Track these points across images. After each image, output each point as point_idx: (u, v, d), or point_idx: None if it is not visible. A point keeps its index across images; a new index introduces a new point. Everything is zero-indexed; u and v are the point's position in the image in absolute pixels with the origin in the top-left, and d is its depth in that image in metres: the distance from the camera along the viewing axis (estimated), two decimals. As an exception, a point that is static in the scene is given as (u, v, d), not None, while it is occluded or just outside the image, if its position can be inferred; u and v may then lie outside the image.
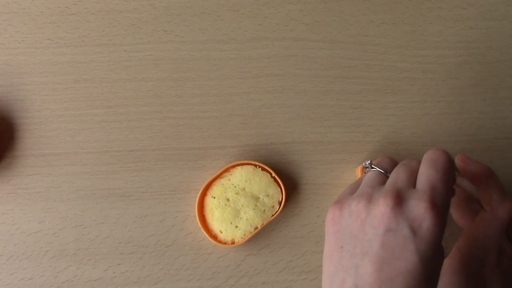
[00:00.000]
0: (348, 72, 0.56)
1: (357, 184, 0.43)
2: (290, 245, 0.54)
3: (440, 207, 0.36)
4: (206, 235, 0.53)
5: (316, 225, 0.55)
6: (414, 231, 0.36)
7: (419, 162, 0.41)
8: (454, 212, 0.49)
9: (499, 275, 0.45)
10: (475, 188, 0.51)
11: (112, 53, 0.56)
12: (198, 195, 0.53)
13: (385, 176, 0.41)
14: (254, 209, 0.53)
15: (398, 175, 0.39)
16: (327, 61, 0.56)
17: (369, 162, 0.43)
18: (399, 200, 0.37)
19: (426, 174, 0.38)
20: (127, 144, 0.55)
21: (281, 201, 0.53)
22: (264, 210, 0.53)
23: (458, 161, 0.47)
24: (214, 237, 0.53)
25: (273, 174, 0.54)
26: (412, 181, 0.39)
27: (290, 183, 0.55)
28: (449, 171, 0.38)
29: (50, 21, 0.56)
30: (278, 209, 0.53)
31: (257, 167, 0.54)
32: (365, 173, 0.43)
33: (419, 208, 0.36)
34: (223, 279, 0.54)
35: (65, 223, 0.54)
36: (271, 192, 0.53)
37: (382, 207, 0.37)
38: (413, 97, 0.56)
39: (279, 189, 0.53)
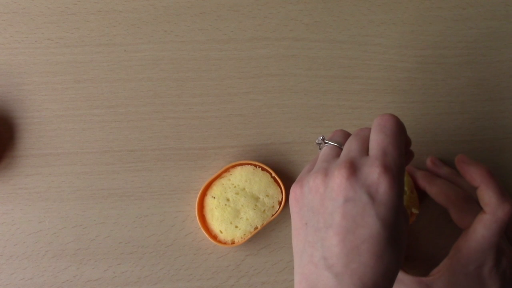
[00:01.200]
0: (348, 72, 0.56)
1: (314, 161, 0.43)
2: (290, 245, 0.54)
3: (393, 170, 0.36)
4: (206, 235, 0.53)
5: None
6: (372, 196, 0.36)
7: (370, 129, 0.41)
8: (453, 213, 0.49)
9: (497, 276, 0.45)
10: (475, 188, 0.51)
11: (112, 53, 0.56)
12: (198, 195, 0.53)
13: (339, 149, 0.41)
14: (254, 209, 0.53)
15: (350, 146, 0.39)
16: (327, 61, 0.56)
17: (321, 137, 0.43)
18: (353, 169, 0.37)
19: (376, 139, 0.38)
20: (127, 144, 0.55)
21: (281, 201, 0.53)
22: (264, 210, 0.53)
23: (457, 161, 0.47)
24: (214, 237, 0.53)
25: (273, 174, 0.54)
26: (365, 149, 0.39)
27: (290, 183, 0.55)
28: (399, 134, 0.38)
29: (50, 21, 0.56)
30: (278, 209, 0.53)
31: (257, 167, 0.54)
32: (320, 149, 0.43)
33: (373, 174, 0.36)
34: (223, 279, 0.54)
35: (65, 223, 0.54)
36: (271, 192, 0.53)
37: (337, 179, 0.37)
38: (413, 97, 0.56)
39: (279, 189, 0.54)
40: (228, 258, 0.54)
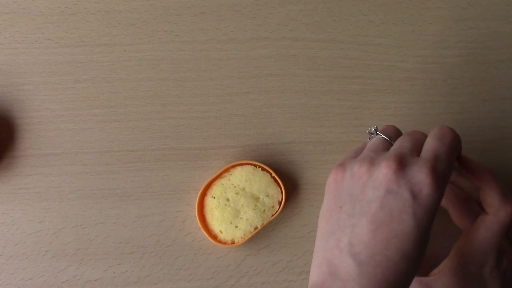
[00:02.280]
0: (348, 72, 0.56)
1: (361, 148, 0.43)
2: (290, 245, 0.54)
3: (440, 176, 0.37)
4: (206, 235, 0.53)
5: (316, 225, 0.54)
6: (414, 195, 0.36)
7: (424, 134, 0.41)
8: (454, 213, 0.49)
9: (498, 276, 0.45)
10: (475, 189, 0.51)
11: (112, 53, 0.56)
12: (198, 195, 0.53)
13: (389, 143, 0.42)
14: (254, 209, 0.53)
15: (403, 143, 0.40)
16: (327, 61, 0.56)
17: (374, 128, 0.44)
18: (402, 164, 0.37)
19: (431, 144, 0.39)
20: (127, 144, 0.55)
21: (281, 201, 0.53)
22: (264, 210, 0.53)
23: (460, 161, 0.47)
24: (214, 237, 0.53)
25: (273, 174, 0.54)
26: (416, 150, 0.39)
27: (290, 183, 0.55)
28: (454, 147, 0.39)
29: (50, 21, 0.56)
30: (278, 209, 0.53)
31: (257, 167, 0.54)
32: (369, 139, 0.43)
33: (421, 174, 0.36)
34: (223, 279, 0.54)
35: (65, 223, 0.54)
36: (271, 192, 0.53)
37: (384, 169, 0.37)
38: (413, 97, 0.56)
39: (279, 189, 0.54)
40: (228, 258, 0.54)
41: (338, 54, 0.56)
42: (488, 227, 0.44)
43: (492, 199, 0.44)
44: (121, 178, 0.55)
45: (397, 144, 0.40)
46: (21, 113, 0.55)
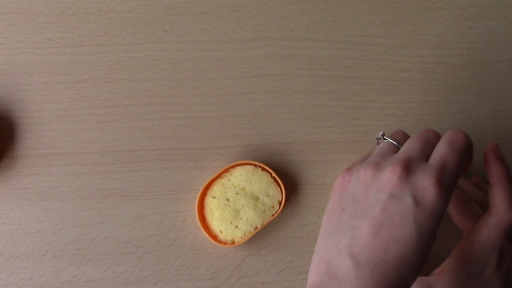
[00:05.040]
0: (348, 72, 0.56)
1: (370, 154, 0.43)
2: (290, 245, 0.54)
3: (446, 186, 0.37)
4: (206, 235, 0.53)
5: (316, 225, 0.55)
6: (416, 201, 0.36)
7: (436, 133, 0.41)
8: (455, 214, 0.49)
9: (500, 277, 0.45)
10: (474, 189, 0.51)
11: (112, 53, 0.56)
12: (198, 195, 0.53)
13: (396, 147, 0.41)
14: (254, 209, 0.53)
15: (411, 146, 0.40)
16: (327, 61, 0.56)
17: (382, 133, 0.44)
18: (408, 169, 0.37)
19: (441, 151, 0.38)
20: (127, 144, 0.55)
21: (281, 201, 0.53)
22: (264, 210, 0.53)
23: (488, 148, 0.45)
24: (214, 237, 0.53)
25: (273, 174, 0.54)
26: (425, 153, 0.39)
27: (290, 183, 0.55)
28: (464, 154, 0.39)
29: (50, 21, 0.56)
30: (278, 209, 0.53)
31: (257, 167, 0.54)
32: (377, 144, 0.43)
33: (425, 181, 0.36)
34: (223, 279, 0.54)
35: (65, 223, 0.54)
36: (271, 192, 0.53)
37: (389, 174, 0.37)
38: (413, 97, 0.56)
39: (279, 189, 0.54)
40: (228, 258, 0.54)
41: (338, 54, 0.56)
42: (490, 228, 0.44)
43: (500, 201, 0.44)
44: (121, 178, 0.55)
45: (406, 147, 0.40)
46: (21, 113, 0.55)
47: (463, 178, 0.52)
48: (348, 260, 0.36)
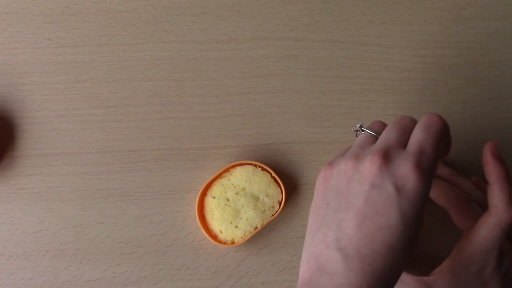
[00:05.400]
0: (348, 72, 0.56)
1: (349, 148, 0.43)
2: (290, 245, 0.54)
3: (425, 170, 0.37)
4: (206, 235, 0.53)
5: (316, 225, 0.55)
6: (398, 189, 0.36)
7: (412, 119, 0.41)
8: (454, 214, 0.49)
9: (499, 277, 0.45)
10: (474, 189, 0.51)
11: (112, 53, 0.56)
12: (198, 195, 0.53)
13: (375, 138, 0.41)
14: (254, 209, 0.53)
15: (389, 135, 0.40)
16: (327, 61, 0.56)
17: (359, 125, 0.43)
18: (387, 158, 0.37)
19: (417, 136, 0.38)
20: (127, 144, 0.55)
21: (281, 201, 0.53)
22: (264, 210, 0.53)
23: (487, 148, 0.45)
24: (214, 237, 0.53)
25: (273, 174, 0.54)
26: (403, 140, 0.39)
27: (290, 183, 0.55)
28: (441, 137, 0.39)
29: (50, 21, 0.56)
30: (278, 209, 0.53)
31: (257, 167, 0.54)
32: (356, 136, 0.43)
33: (404, 168, 0.36)
34: (223, 279, 0.54)
35: (65, 223, 0.54)
36: (271, 192, 0.53)
37: (369, 164, 0.37)
38: (413, 97, 0.56)
39: (279, 189, 0.54)
40: (228, 258, 0.54)
41: (338, 54, 0.56)
42: (490, 228, 0.44)
43: (499, 201, 0.44)
44: (121, 178, 0.55)
45: (383, 136, 0.40)
46: (21, 113, 0.55)
47: (463, 178, 0.52)
48: (336, 253, 0.36)
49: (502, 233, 0.44)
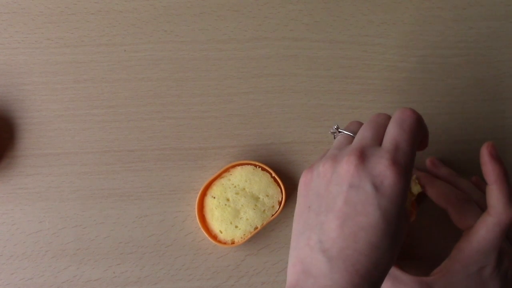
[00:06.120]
0: (348, 72, 0.56)
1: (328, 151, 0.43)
2: (290, 245, 0.54)
3: (402, 166, 0.37)
4: (206, 235, 0.53)
5: (316, 225, 0.54)
6: (376, 187, 0.36)
7: (387, 116, 0.41)
8: (453, 214, 0.49)
9: (499, 277, 0.45)
10: (473, 189, 0.51)
11: (112, 53, 0.56)
12: (198, 195, 0.53)
13: (352, 138, 0.41)
14: (254, 209, 0.53)
15: (364, 134, 0.40)
16: (327, 61, 0.56)
17: (335, 126, 0.44)
18: (363, 157, 0.37)
19: (392, 133, 0.38)
20: (127, 144, 0.55)
21: (281, 201, 0.53)
22: (264, 210, 0.53)
23: (484, 148, 0.44)
24: (214, 237, 0.53)
25: (273, 174, 0.54)
26: (379, 138, 0.39)
27: (290, 183, 0.55)
28: (416, 131, 0.39)
29: (50, 21, 0.56)
30: (278, 209, 0.53)
31: (257, 167, 0.54)
32: (334, 138, 0.43)
33: (380, 165, 0.36)
34: (223, 279, 0.54)
35: (65, 223, 0.54)
36: (271, 192, 0.53)
37: (345, 165, 0.37)
38: (413, 97, 0.56)
39: (279, 189, 0.54)
40: (228, 258, 0.54)
41: (338, 54, 0.56)
42: (488, 228, 0.44)
43: (497, 201, 0.44)
44: (121, 178, 0.55)
45: (358, 136, 0.40)
46: (21, 113, 0.55)
47: (462, 178, 0.52)
48: (320, 255, 0.36)
49: (501, 233, 0.44)
